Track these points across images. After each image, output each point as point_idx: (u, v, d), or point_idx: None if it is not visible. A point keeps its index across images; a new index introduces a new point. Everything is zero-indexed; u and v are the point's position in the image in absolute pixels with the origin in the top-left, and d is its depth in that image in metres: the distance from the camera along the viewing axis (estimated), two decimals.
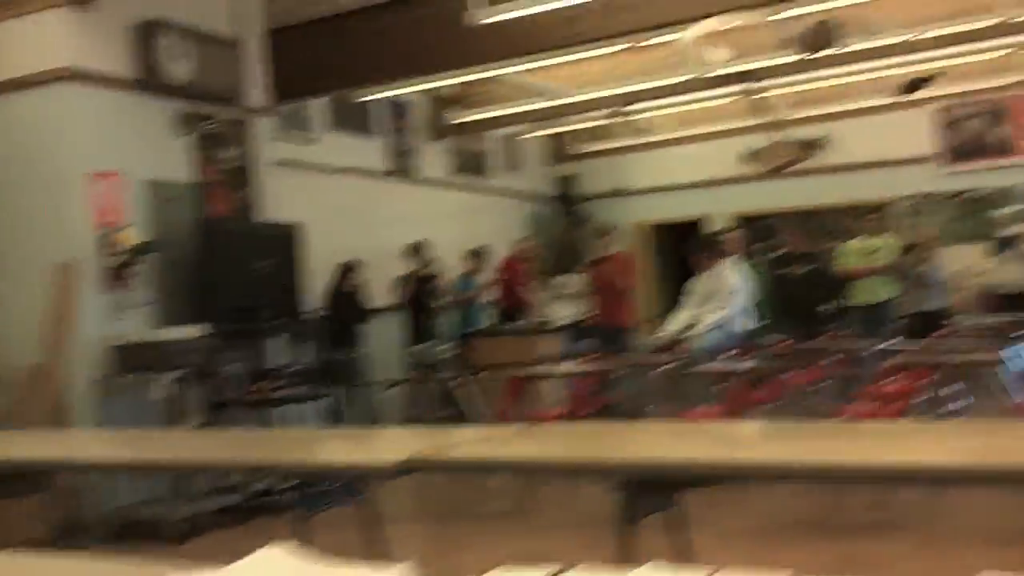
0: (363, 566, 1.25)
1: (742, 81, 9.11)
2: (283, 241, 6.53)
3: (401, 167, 10.07)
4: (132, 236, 5.64)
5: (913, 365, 5.16)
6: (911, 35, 7.62)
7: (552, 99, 9.91)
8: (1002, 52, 9.15)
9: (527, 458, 2.89)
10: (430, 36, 7.01)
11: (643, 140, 11.03)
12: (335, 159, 9.01)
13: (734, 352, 6.55)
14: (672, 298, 10.28)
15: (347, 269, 7.95)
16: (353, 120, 9.40)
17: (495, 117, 10.50)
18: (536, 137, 12.24)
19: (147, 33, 5.86)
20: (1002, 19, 7.86)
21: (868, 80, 9.95)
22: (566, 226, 12.41)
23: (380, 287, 8.58)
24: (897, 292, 8.75)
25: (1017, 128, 10.77)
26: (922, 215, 11.01)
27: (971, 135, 10.93)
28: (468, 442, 3.10)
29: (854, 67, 9.00)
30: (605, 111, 10.01)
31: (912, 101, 9.78)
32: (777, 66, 8.70)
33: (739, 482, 4.73)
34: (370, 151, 9.62)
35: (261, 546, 1.30)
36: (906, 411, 5.07)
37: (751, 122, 10.63)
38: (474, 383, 7.47)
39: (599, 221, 10.36)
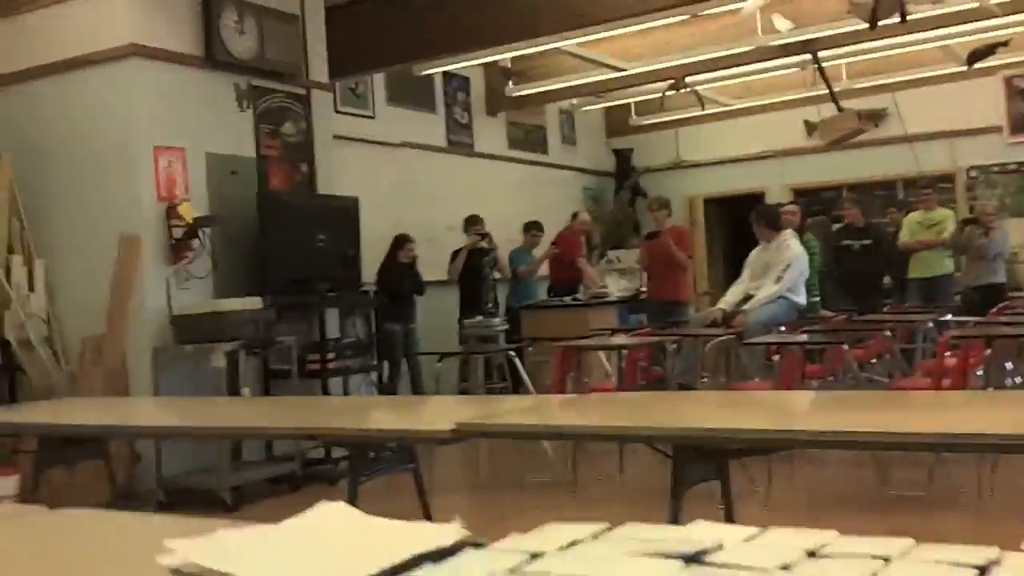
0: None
1: (804, 51, 8.98)
2: (342, 214, 6.62)
3: (458, 141, 10.11)
4: (194, 209, 5.77)
5: (971, 339, 5.09)
6: (976, 3, 7.43)
7: (610, 72, 9.86)
8: None
9: (576, 424, 2.93)
10: (489, 9, 7.02)
11: (702, 112, 10.91)
12: (393, 133, 9.07)
13: (790, 325, 6.52)
14: (728, 273, 10.24)
15: (402, 241, 8.02)
16: (411, 94, 9.45)
17: (553, 90, 10.48)
18: (594, 110, 12.20)
19: (211, 9, 5.95)
20: None
21: (932, 49, 9.75)
22: (622, 200, 12.37)
23: (436, 260, 8.64)
24: (957, 266, 8.62)
25: None
26: (985, 187, 10.79)
27: None
28: (518, 410, 3.15)
29: (918, 36, 8.82)
30: (664, 83, 9.94)
31: (977, 71, 9.55)
32: (840, 35, 8.56)
33: (789, 451, 4.73)
34: (428, 125, 9.67)
35: None
36: (963, 386, 5.01)
37: (812, 93, 10.48)
38: (527, 356, 7.52)
39: (655, 195, 10.31)
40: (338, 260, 6.49)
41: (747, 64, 9.52)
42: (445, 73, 9.65)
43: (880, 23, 6.46)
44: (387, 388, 7.53)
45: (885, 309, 7.75)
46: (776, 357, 5.67)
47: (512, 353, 7.00)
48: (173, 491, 5.43)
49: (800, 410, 3.18)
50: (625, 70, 9.78)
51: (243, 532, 1.04)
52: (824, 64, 9.20)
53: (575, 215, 9.90)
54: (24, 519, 1.58)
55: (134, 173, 5.63)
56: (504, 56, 9.33)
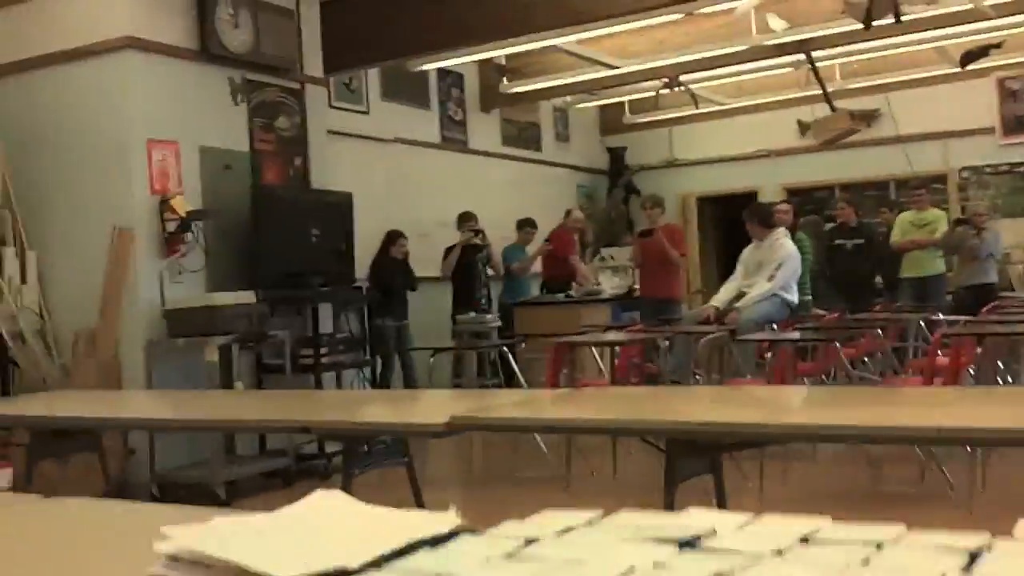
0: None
1: (798, 51, 9.00)
2: (336, 209, 6.62)
3: (452, 137, 10.12)
4: (187, 203, 5.76)
5: (962, 337, 5.11)
6: (970, 4, 7.45)
7: (605, 70, 9.87)
8: None
9: (569, 418, 2.94)
10: (484, 5, 7.02)
11: (696, 111, 10.93)
12: (386, 129, 9.08)
13: (782, 323, 6.54)
14: (721, 271, 10.27)
15: (394, 237, 8.02)
16: (405, 90, 9.46)
17: (547, 88, 10.49)
18: (588, 108, 12.21)
19: (206, 2, 5.94)
20: None
21: (926, 50, 9.78)
22: (615, 198, 12.39)
23: (429, 256, 8.65)
24: (948, 266, 8.64)
25: None
26: (977, 188, 10.83)
27: None
28: (512, 404, 3.16)
29: (912, 37, 8.84)
30: (658, 81, 9.95)
31: (970, 72, 9.58)
32: (834, 35, 8.58)
33: (781, 447, 4.75)
34: (421, 121, 9.67)
35: None
36: (954, 384, 5.03)
37: (806, 93, 10.50)
38: (520, 352, 7.53)
39: (649, 193, 10.32)
40: (331, 255, 6.48)
41: (741, 63, 9.54)
42: (439, 69, 9.65)
43: (874, 23, 6.48)
44: (380, 384, 7.54)
45: (876, 308, 7.77)
46: (768, 355, 5.69)
47: (505, 349, 7.01)
48: (166, 485, 5.42)
49: (793, 405, 3.19)
50: (619, 68, 9.79)
51: (239, 520, 1.04)
52: (818, 64, 9.23)
53: (568, 212, 9.91)
54: (18, 507, 1.58)
55: (128, 166, 5.62)
56: (499, 53, 9.34)
